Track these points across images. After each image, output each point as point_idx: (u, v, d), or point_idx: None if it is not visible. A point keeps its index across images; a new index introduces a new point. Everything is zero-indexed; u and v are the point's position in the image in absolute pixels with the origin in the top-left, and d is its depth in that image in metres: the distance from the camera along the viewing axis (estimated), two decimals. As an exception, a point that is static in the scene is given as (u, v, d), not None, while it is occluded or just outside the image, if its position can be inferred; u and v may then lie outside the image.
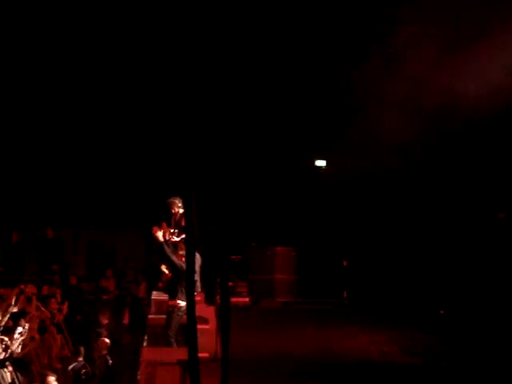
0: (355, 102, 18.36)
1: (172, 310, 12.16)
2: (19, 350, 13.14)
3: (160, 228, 12.28)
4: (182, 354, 11.06)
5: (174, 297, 12.12)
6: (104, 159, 20.06)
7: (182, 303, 11.77)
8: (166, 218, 12.90)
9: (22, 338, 13.22)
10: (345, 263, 20.20)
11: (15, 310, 13.77)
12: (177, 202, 12.95)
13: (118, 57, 18.66)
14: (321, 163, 21.08)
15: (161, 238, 12.19)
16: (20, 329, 13.59)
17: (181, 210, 12.84)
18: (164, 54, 16.47)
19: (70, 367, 13.71)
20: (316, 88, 19.05)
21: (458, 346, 13.74)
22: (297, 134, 19.77)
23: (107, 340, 13.94)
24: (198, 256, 12.38)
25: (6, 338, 13.17)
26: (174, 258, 12.11)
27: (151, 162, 19.44)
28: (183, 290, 11.90)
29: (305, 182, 20.49)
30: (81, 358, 13.75)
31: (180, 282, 11.86)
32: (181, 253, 12.20)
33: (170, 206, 13.02)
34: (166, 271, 12.41)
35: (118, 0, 17.82)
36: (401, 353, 13.33)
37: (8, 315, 13.80)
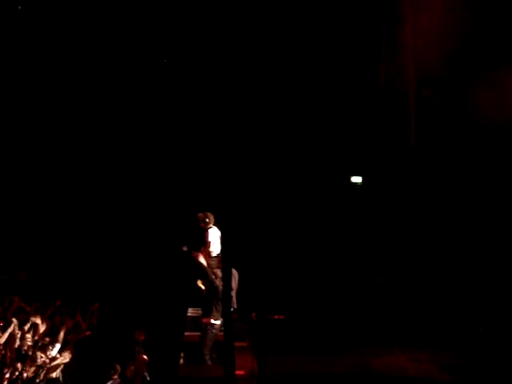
0: (392, 116, 18.27)
1: (206, 327, 12.11)
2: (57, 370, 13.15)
3: (200, 252, 12.33)
4: (217, 371, 11.00)
5: (207, 314, 12.07)
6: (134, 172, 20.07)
7: (216, 322, 11.71)
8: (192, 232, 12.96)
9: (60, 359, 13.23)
10: (381, 280, 20.03)
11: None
12: (205, 217, 12.95)
13: (148, 65, 18.71)
14: (357, 179, 20.93)
15: (202, 261, 12.22)
16: (58, 346, 13.64)
17: (208, 226, 12.87)
18: (197, 67, 16.52)
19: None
20: (351, 102, 19.00)
21: (499, 365, 13.50)
22: (333, 149, 19.68)
23: (145, 357, 13.88)
24: (234, 272, 12.35)
25: (43, 356, 13.18)
26: (211, 276, 12.08)
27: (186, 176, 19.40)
28: (218, 308, 11.87)
29: (341, 198, 20.37)
30: (116, 376, 13.69)
31: (214, 299, 11.80)
32: (214, 270, 12.21)
33: (199, 221, 13.02)
34: (203, 287, 12.37)
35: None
36: (440, 371, 13.13)
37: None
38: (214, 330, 12.06)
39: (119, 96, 19.44)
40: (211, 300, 12.01)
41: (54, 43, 18.74)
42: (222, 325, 11.51)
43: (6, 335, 13.37)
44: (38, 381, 12.94)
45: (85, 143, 19.73)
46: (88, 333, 14.76)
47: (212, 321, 11.87)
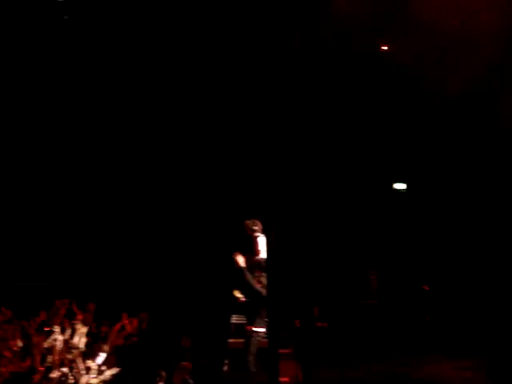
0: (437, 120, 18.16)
1: (249, 334, 12.13)
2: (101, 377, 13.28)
3: (241, 253, 12.27)
4: (261, 378, 11.03)
5: (251, 323, 12.08)
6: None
7: (260, 329, 11.72)
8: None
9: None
10: (426, 288, 19.91)
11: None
12: (253, 224, 12.91)
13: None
14: (400, 186, 20.82)
15: (242, 264, 12.16)
16: (103, 355, 13.76)
17: (256, 234, 12.82)
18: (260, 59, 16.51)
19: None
20: (393, 108, 18.94)
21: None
22: (375, 155, 19.63)
23: (189, 363, 13.94)
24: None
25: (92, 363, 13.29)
26: (254, 283, 12.08)
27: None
28: (261, 316, 11.88)
29: (384, 205, 20.30)
30: (161, 383, 13.76)
31: (258, 308, 11.82)
32: (259, 278, 12.20)
33: (247, 229, 12.98)
34: (240, 296, 12.38)
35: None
36: (487, 380, 12.97)
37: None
38: (257, 338, 12.08)
39: (177, 99, 19.56)
40: (255, 308, 12.04)
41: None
42: (266, 332, 11.55)
43: (53, 340, 13.55)
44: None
45: (136, 147, 19.88)
46: (134, 339, 14.87)
47: (255, 328, 11.90)
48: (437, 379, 13.13)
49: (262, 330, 12.01)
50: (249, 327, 12.20)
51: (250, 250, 12.83)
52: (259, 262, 12.56)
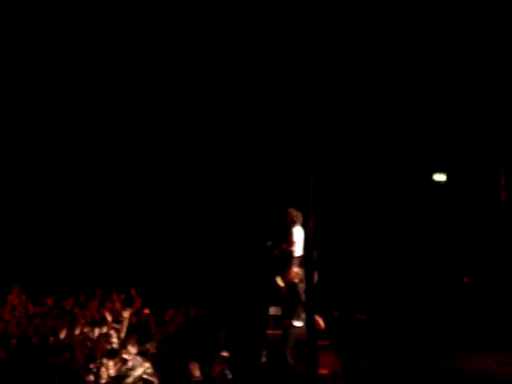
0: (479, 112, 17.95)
1: (287, 328, 12.12)
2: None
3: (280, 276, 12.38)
4: (300, 369, 11.01)
5: (289, 317, 12.07)
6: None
7: (297, 323, 11.70)
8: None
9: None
10: (466, 280, 19.75)
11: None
12: (295, 214, 12.91)
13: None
14: (440, 178, 20.63)
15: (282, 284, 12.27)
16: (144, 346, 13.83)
17: (295, 224, 12.85)
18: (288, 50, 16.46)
19: (190, 384, 13.80)
20: (434, 101, 18.76)
21: None
22: (415, 146, 19.48)
23: (226, 355, 13.97)
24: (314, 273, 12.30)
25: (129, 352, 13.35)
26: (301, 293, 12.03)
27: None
28: (299, 309, 11.85)
29: (424, 197, 20.15)
30: (198, 374, 13.78)
31: (296, 300, 11.80)
32: (295, 270, 12.19)
33: (288, 216, 12.99)
34: (282, 284, 12.38)
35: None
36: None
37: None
38: (295, 331, 12.07)
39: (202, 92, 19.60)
40: (292, 301, 12.02)
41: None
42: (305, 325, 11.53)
43: (98, 331, 13.66)
44: (122, 377, 13.16)
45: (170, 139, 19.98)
46: (171, 330, 14.94)
47: (293, 322, 11.88)
48: (479, 372, 12.99)
49: (300, 323, 11.99)
50: (286, 321, 12.18)
51: (285, 239, 12.86)
52: (293, 254, 12.60)
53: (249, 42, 18.53)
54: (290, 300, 12.19)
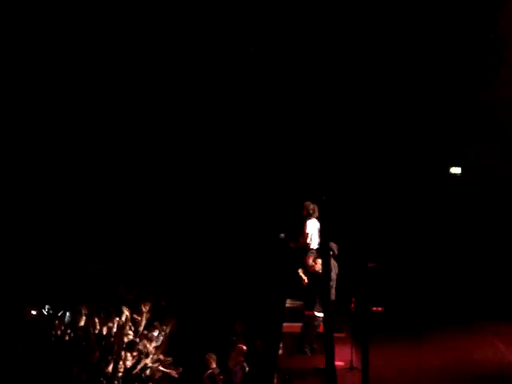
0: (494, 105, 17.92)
1: (309, 320, 12.16)
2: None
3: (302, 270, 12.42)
4: (315, 361, 11.07)
5: (311, 307, 12.11)
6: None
7: (320, 314, 11.74)
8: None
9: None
10: (482, 272, 19.73)
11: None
12: (312, 207, 12.96)
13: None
14: (456, 170, 20.58)
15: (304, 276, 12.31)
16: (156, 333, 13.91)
17: (310, 217, 12.91)
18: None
19: (206, 375, 13.85)
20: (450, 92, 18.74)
21: None
22: (431, 140, 19.44)
23: (244, 347, 14.01)
24: (335, 263, 12.35)
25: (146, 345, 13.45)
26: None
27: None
28: (320, 301, 11.90)
29: (439, 190, 20.12)
30: (214, 365, 13.84)
31: (317, 292, 11.85)
32: (312, 261, 12.23)
33: (304, 208, 13.06)
34: (304, 276, 12.43)
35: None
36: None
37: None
38: (316, 323, 12.12)
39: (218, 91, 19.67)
40: (314, 292, 12.06)
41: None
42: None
43: (116, 324, 13.76)
44: (139, 370, 13.26)
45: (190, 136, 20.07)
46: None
47: (315, 313, 11.94)
48: (496, 363, 13.00)
49: (322, 314, 12.04)
50: (308, 312, 12.23)
51: (301, 231, 12.93)
52: (308, 246, 12.64)
53: (260, 41, 18.61)
54: (312, 291, 12.22)
